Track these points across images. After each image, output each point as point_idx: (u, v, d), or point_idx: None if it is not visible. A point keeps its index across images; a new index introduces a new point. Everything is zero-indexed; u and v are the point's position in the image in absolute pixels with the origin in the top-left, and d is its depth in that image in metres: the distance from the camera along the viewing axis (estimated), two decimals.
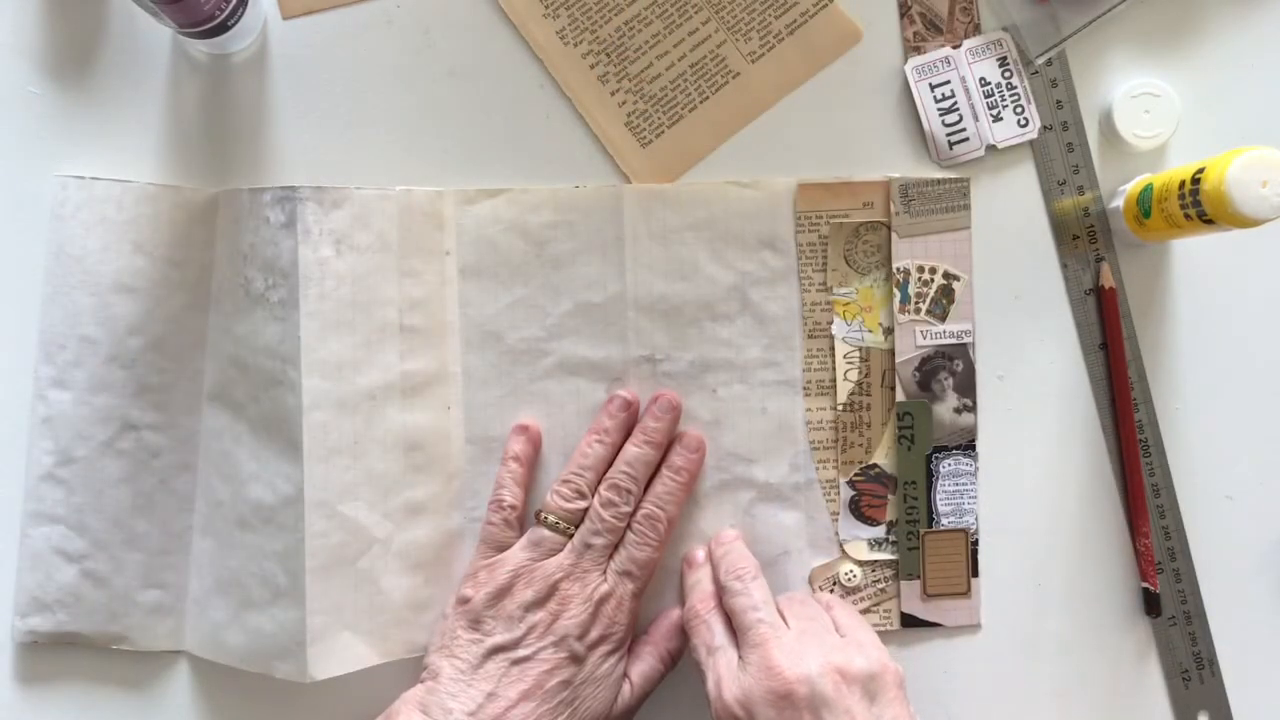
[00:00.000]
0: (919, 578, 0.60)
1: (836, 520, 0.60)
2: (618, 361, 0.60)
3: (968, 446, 0.60)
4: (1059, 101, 0.61)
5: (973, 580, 0.60)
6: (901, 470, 0.60)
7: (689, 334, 0.60)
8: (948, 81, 0.60)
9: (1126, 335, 0.61)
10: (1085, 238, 0.61)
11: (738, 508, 0.60)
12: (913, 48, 0.61)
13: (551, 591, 0.56)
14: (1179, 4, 0.61)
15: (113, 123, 0.60)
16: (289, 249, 0.56)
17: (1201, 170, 0.53)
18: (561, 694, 0.55)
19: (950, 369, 0.60)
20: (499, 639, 0.55)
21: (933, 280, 0.60)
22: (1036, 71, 0.60)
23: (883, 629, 0.60)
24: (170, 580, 0.59)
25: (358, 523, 0.56)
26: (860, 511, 0.60)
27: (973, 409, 0.60)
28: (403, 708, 0.55)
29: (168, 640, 0.59)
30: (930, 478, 0.60)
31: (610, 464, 0.58)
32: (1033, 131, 0.60)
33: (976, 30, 0.61)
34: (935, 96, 0.60)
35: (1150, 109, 0.60)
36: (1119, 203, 0.60)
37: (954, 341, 0.60)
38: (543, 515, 0.57)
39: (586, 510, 0.57)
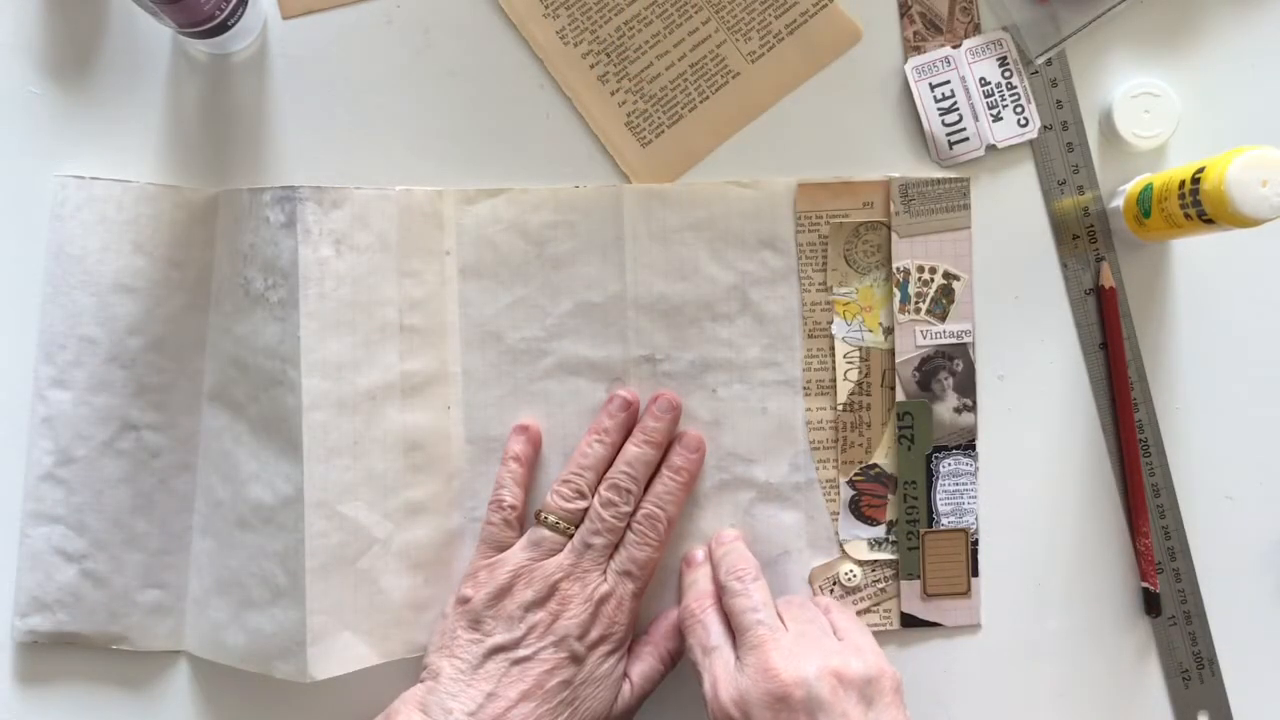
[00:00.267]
0: (919, 578, 0.60)
1: (836, 520, 0.60)
2: (618, 361, 0.60)
3: (968, 446, 0.60)
4: (1059, 101, 0.61)
5: (973, 580, 0.60)
6: (901, 470, 0.60)
7: (689, 334, 0.60)
8: (948, 81, 0.60)
9: (1126, 335, 0.61)
10: (1085, 238, 0.61)
11: (738, 508, 0.60)
12: (913, 47, 0.61)
13: (551, 591, 0.56)
14: (1179, 4, 0.61)
15: (113, 123, 0.60)
16: (289, 249, 0.56)
17: (1201, 170, 0.53)
18: (561, 694, 0.55)
19: (950, 369, 0.60)
20: (499, 639, 0.55)
21: (933, 280, 0.60)
22: (1036, 71, 0.60)
23: (883, 629, 0.60)
24: (170, 580, 0.59)
25: (358, 523, 0.56)
26: (860, 511, 0.60)
27: (973, 409, 0.60)
28: (403, 708, 0.55)
29: (168, 640, 0.59)
30: (930, 478, 0.60)
31: (610, 464, 0.58)
32: (1033, 131, 0.60)
33: (976, 30, 0.61)
34: (935, 96, 0.60)
35: (1150, 109, 0.60)
36: (1119, 203, 0.60)
37: (954, 341, 0.60)
38: (543, 515, 0.57)
39: (586, 510, 0.57)
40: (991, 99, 0.60)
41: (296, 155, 0.60)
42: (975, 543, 0.60)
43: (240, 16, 0.57)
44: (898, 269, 0.60)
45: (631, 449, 0.58)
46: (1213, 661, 0.61)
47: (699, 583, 0.57)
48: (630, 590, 0.57)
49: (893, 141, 0.60)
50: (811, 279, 0.60)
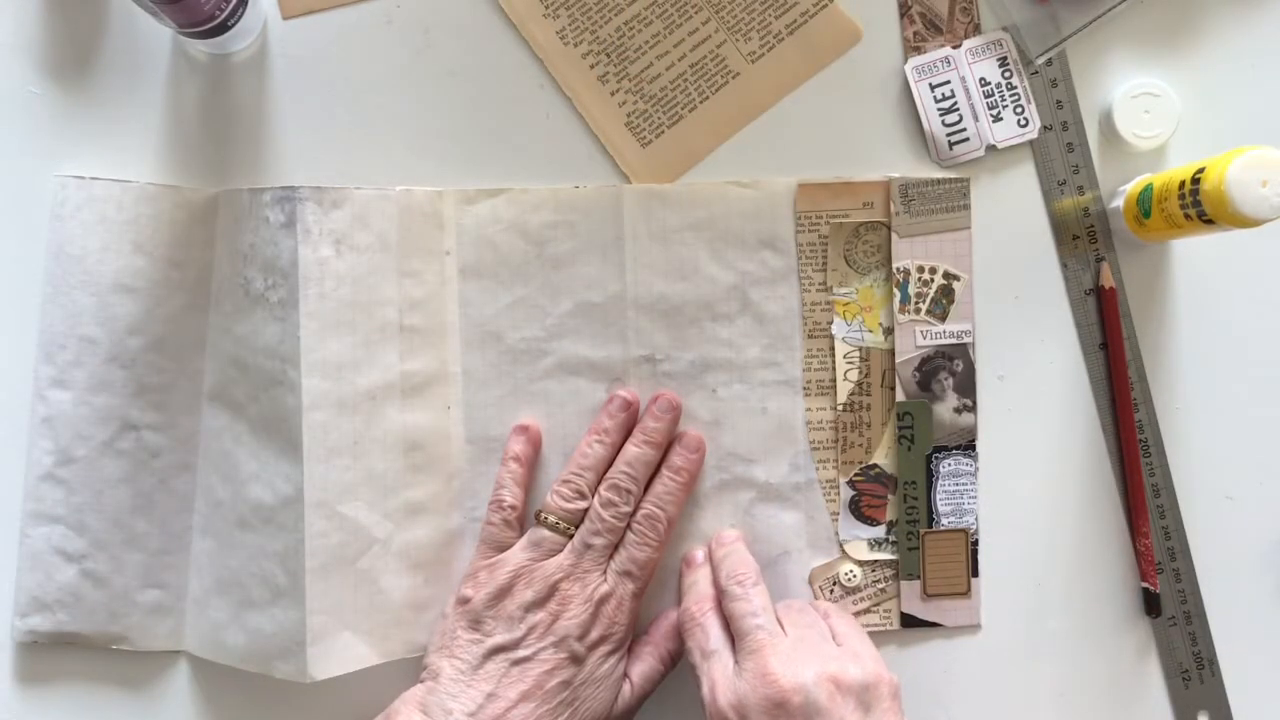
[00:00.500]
0: (919, 578, 0.60)
1: (836, 520, 0.60)
2: (618, 361, 0.60)
3: (968, 446, 0.60)
4: (1059, 101, 0.61)
5: (973, 580, 0.60)
6: (901, 470, 0.60)
7: (689, 334, 0.60)
8: (948, 81, 0.60)
9: (1126, 335, 0.61)
10: (1085, 238, 0.61)
11: (738, 508, 0.60)
12: (913, 48, 0.61)
13: (551, 592, 0.56)
14: (1179, 4, 0.61)
15: (113, 123, 0.60)
16: (289, 249, 0.56)
17: (1201, 170, 0.53)
18: (561, 694, 0.55)
19: (950, 369, 0.60)
20: (499, 639, 0.55)
21: (933, 280, 0.60)
22: (1036, 71, 0.60)
23: (882, 629, 0.60)
24: (170, 580, 0.59)
25: (358, 523, 0.56)
26: (860, 511, 0.60)
27: (973, 409, 0.60)
28: (403, 708, 0.55)
29: (167, 640, 0.59)
30: (930, 478, 0.60)
31: (610, 464, 0.58)
32: (1033, 131, 0.60)
33: (976, 30, 0.61)
34: (935, 96, 0.60)
35: (1150, 109, 0.60)
36: (1119, 203, 0.60)
37: (954, 341, 0.60)
38: (543, 515, 0.57)
39: (586, 510, 0.57)
40: (991, 99, 0.60)
41: (296, 155, 0.60)
42: (975, 543, 0.60)
43: (240, 16, 0.57)
44: (898, 269, 0.60)
45: (631, 449, 0.58)
46: (1213, 661, 0.61)
47: (698, 585, 0.57)
48: (630, 590, 0.57)
49: (893, 141, 0.60)
50: (811, 279, 0.60)
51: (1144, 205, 0.57)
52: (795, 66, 0.61)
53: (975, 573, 0.60)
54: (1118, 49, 0.61)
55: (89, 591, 0.58)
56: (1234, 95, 0.61)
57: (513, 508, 0.58)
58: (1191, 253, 0.61)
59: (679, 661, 0.59)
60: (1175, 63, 0.61)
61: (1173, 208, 0.55)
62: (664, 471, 0.58)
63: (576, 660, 0.55)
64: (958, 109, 0.60)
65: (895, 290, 0.60)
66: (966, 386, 0.60)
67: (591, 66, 0.60)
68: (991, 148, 0.60)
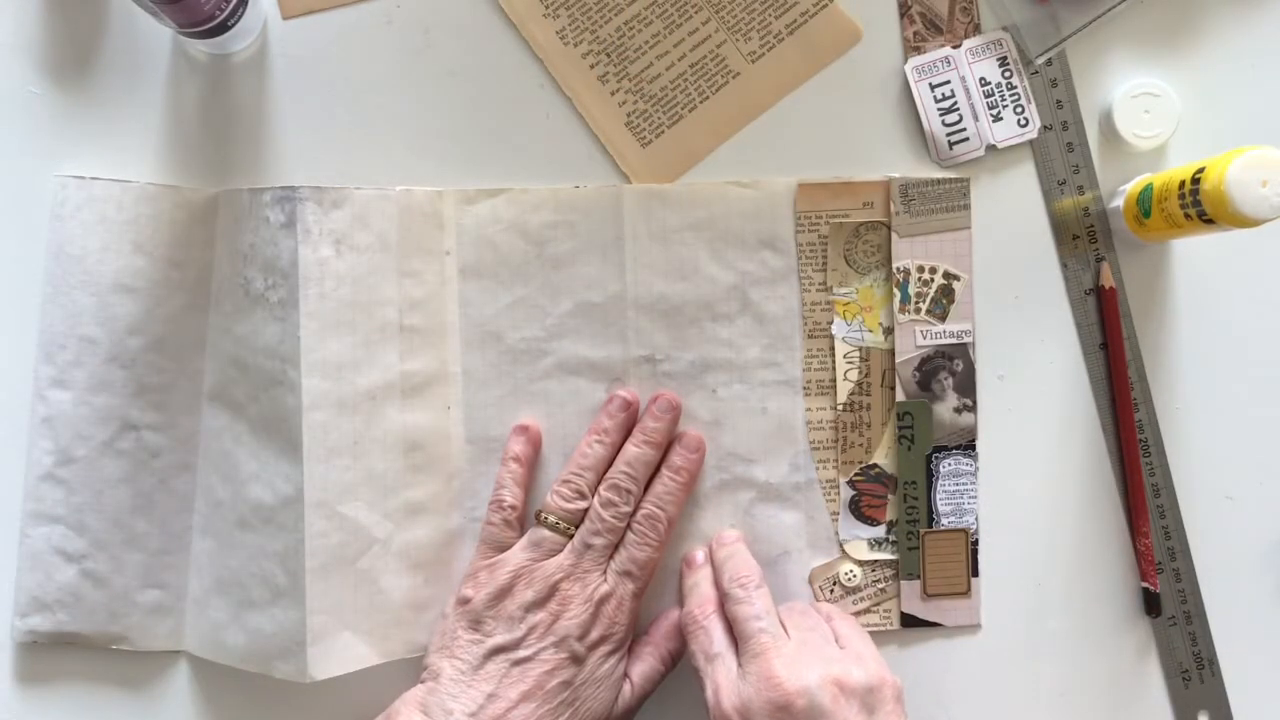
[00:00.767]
0: (919, 578, 0.60)
1: (836, 520, 0.60)
2: (618, 361, 0.60)
3: (968, 446, 0.60)
4: (1059, 101, 0.61)
5: (973, 580, 0.60)
6: (901, 470, 0.60)
7: (689, 334, 0.60)
8: (948, 81, 0.60)
9: (1126, 335, 0.61)
10: (1085, 238, 0.61)
11: (738, 508, 0.60)
12: (913, 48, 0.61)
13: (552, 592, 0.56)
14: (1179, 4, 0.61)
15: (113, 123, 0.60)
16: (289, 249, 0.56)
17: (1201, 170, 0.53)
18: (562, 694, 0.55)
19: (950, 369, 0.60)
20: (499, 639, 0.55)
21: (933, 280, 0.60)
22: (1036, 71, 0.60)
23: (882, 629, 0.60)
24: (170, 580, 0.59)
25: (358, 523, 0.56)
26: (860, 511, 0.60)
27: (973, 409, 0.60)
28: (403, 708, 0.55)
29: (167, 640, 0.59)
30: (930, 478, 0.60)
31: (610, 464, 0.58)
32: (1033, 131, 0.60)
33: (976, 30, 0.61)
34: (935, 96, 0.60)
35: (1150, 109, 0.60)
36: (1119, 203, 0.60)
37: (954, 341, 0.60)
38: (543, 515, 0.57)
39: (586, 510, 0.57)
40: (991, 99, 0.60)
41: (296, 155, 0.60)
42: (975, 543, 0.60)
43: (240, 16, 0.57)
44: (898, 269, 0.60)
45: (631, 449, 0.58)
46: (1213, 661, 0.61)
47: (700, 587, 0.57)
48: (630, 590, 0.57)
49: (893, 141, 0.60)
50: (811, 279, 0.60)
51: (1144, 205, 0.57)
52: (795, 66, 0.61)
53: (975, 573, 0.60)
54: (1118, 49, 0.61)
55: (89, 591, 0.58)
56: (1234, 95, 0.61)
57: (513, 508, 0.58)
58: (1191, 253, 0.61)
59: (679, 662, 0.59)
60: (1175, 63, 0.61)
61: (1173, 208, 0.55)
62: (664, 471, 0.58)
63: (577, 660, 0.55)
64: (958, 109, 0.60)
65: (895, 290, 0.60)
66: (966, 386, 0.60)
67: (591, 66, 0.60)
68: (991, 148, 0.60)
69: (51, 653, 0.59)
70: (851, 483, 0.60)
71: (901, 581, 0.60)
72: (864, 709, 0.51)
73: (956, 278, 0.60)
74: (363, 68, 0.60)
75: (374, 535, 0.57)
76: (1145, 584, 0.60)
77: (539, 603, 0.56)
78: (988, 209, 0.61)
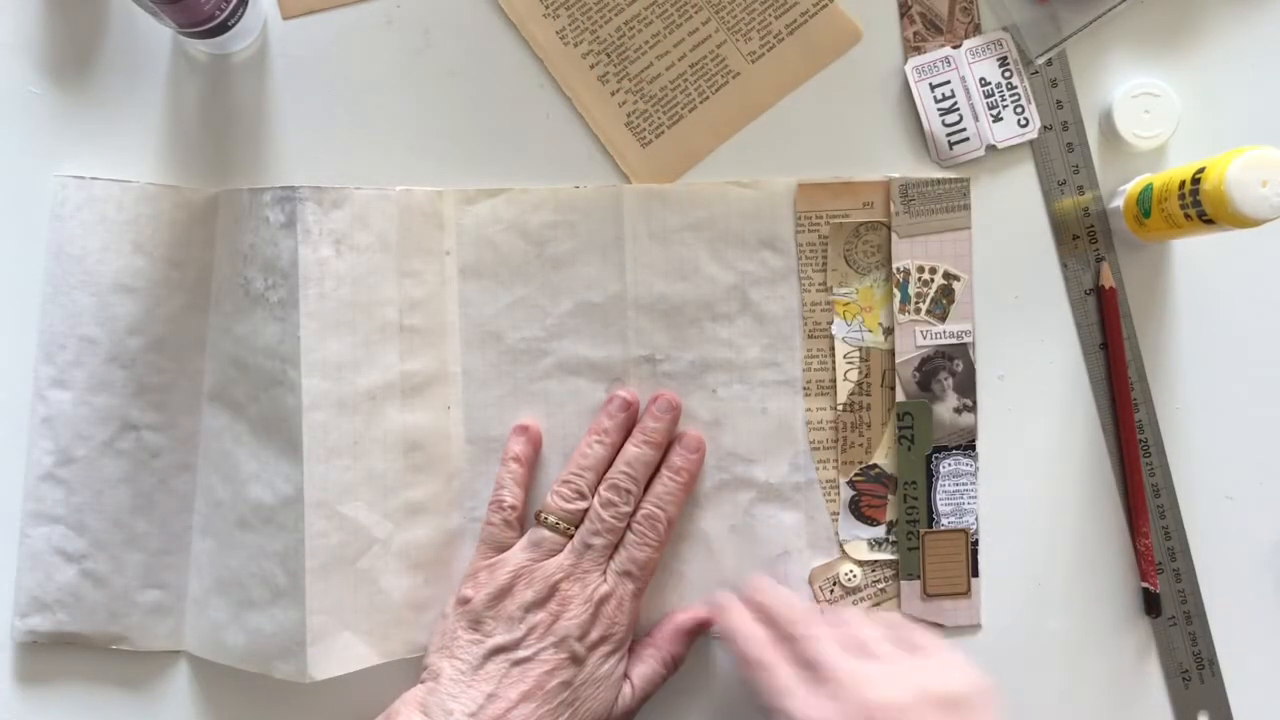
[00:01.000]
0: (919, 578, 0.60)
1: (836, 520, 0.60)
2: (618, 361, 0.60)
3: (968, 446, 0.60)
4: (1059, 101, 0.61)
5: (973, 580, 0.60)
6: (901, 470, 0.60)
7: (689, 334, 0.60)
8: (948, 81, 0.60)
9: (1126, 335, 0.61)
10: (1085, 238, 0.61)
11: (738, 508, 0.60)
12: (913, 48, 0.61)
13: (552, 592, 0.56)
14: (1179, 4, 0.61)
15: (113, 123, 0.60)
16: (289, 249, 0.56)
17: (1201, 170, 0.53)
18: (562, 695, 0.55)
19: (950, 369, 0.60)
20: (499, 640, 0.55)
21: (933, 280, 0.60)
22: (1036, 71, 0.60)
23: None
24: (170, 580, 0.59)
25: (358, 523, 0.56)
26: (860, 511, 0.60)
27: (973, 409, 0.60)
28: (403, 708, 0.55)
29: (167, 640, 0.59)
30: (930, 478, 0.60)
31: (610, 464, 0.58)
32: (1033, 131, 0.60)
33: (976, 30, 0.61)
34: (935, 96, 0.60)
35: (1150, 109, 0.60)
36: (1119, 203, 0.60)
37: (954, 341, 0.60)
38: (543, 515, 0.57)
39: (586, 510, 0.57)
40: (991, 99, 0.60)
41: (296, 155, 0.60)
42: (975, 543, 0.60)
43: (240, 17, 0.57)
44: (898, 269, 0.60)
45: (631, 449, 0.58)
46: (1213, 661, 0.61)
47: (743, 628, 0.55)
48: (630, 590, 0.57)
49: (893, 141, 0.60)
50: (811, 279, 0.60)
51: (1144, 205, 0.57)
52: (795, 66, 0.61)
53: (975, 573, 0.60)
54: (1118, 49, 0.61)
55: (89, 591, 0.58)
56: (1234, 95, 0.61)
57: (513, 508, 0.58)
58: (1191, 253, 0.61)
59: (681, 666, 0.59)
60: (1175, 63, 0.61)
61: (1173, 208, 0.55)
62: (664, 471, 0.58)
63: (577, 660, 0.55)
64: (958, 109, 0.60)
65: (895, 290, 0.60)
66: (966, 386, 0.60)
67: (591, 66, 0.60)
68: (991, 148, 0.60)
69: (51, 653, 0.59)
70: (851, 483, 0.60)
71: (901, 582, 0.60)
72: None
73: (956, 278, 0.60)
74: (363, 68, 0.60)
75: (374, 535, 0.57)
76: (1145, 584, 0.60)
77: (539, 603, 0.55)
78: (988, 209, 0.61)
